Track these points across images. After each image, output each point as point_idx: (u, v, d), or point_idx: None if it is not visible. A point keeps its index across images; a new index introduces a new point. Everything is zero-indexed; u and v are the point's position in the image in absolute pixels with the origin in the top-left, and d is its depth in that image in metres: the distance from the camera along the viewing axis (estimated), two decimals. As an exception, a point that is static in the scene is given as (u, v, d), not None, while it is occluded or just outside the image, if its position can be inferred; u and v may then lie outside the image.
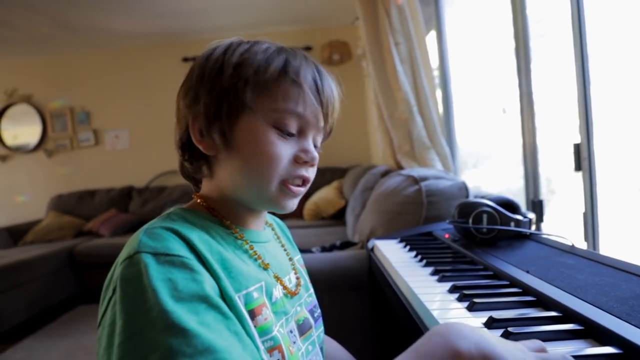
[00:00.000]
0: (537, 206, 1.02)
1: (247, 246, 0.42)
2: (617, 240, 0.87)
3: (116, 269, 0.34)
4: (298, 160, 0.41)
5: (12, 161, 3.47)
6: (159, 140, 3.36)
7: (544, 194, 1.10)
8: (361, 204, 1.84)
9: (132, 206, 3.22)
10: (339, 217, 2.65)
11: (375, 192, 1.46)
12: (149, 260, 0.32)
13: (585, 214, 0.88)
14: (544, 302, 0.47)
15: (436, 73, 1.70)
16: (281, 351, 0.38)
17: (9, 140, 3.43)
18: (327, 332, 0.53)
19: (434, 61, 1.69)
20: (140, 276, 0.31)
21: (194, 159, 0.44)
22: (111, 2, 2.43)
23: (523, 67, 1.07)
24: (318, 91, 0.42)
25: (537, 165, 1.08)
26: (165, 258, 0.32)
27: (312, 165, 0.43)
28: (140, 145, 3.39)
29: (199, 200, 0.44)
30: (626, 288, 0.45)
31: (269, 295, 0.40)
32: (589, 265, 0.54)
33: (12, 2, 2.31)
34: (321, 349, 0.48)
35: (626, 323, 0.37)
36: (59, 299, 2.48)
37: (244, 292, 0.37)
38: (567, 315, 0.42)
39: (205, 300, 0.32)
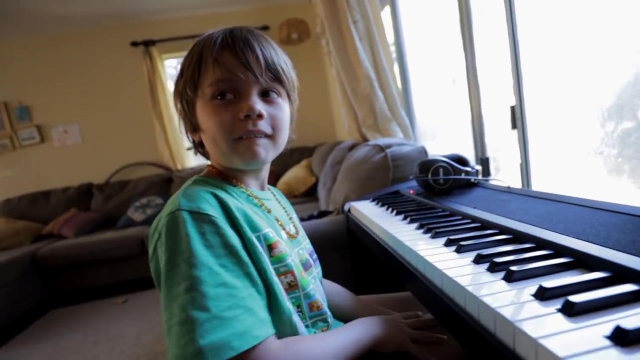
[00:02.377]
0: (484, 162, 1.19)
1: (254, 199, 0.53)
2: (546, 181, 1.06)
3: (160, 221, 0.44)
4: (240, 118, 0.48)
5: (-55, 168, 3.15)
6: (114, 132, 3.20)
7: (491, 152, 1.28)
8: (332, 177, 1.96)
9: (93, 204, 3.08)
10: (310, 193, 2.77)
11: (345, 164, 1.58)
12: (186, 216, 0.42)
13: (521, 165, 1.06)
14: (486, 225, 0.61)
15: (393, 48, 1.81)
16: (293, 275, 0.50)
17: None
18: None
19: (390, 37, 1.80)
20: (180, 227, 0.41)
21: (194, 143, 0.56)
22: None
23: (467, 40, 1.21)
24: (237, 54, 0.47)
25: (483, 128, 1.25)
26: (198, 215, 0.42)
27: (258, 118, 0.48)
28: (94, 138, 3.21)
29: (211, 169, 0.55)
30: (542, 208, 0.61)
31: (280, 236, 0.52)
32: (519, 198, 0.70)
33: None
34: (320, 282, 0.60)
35: (539, 228, 0.52)
36: (27, 306, 2.38)
37: (262, 232, 0.48)
38: (501, 230, 0.57)
39: (226, 248, 0.42)
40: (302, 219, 1.57)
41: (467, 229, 0.61)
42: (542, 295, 0.35)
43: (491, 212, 0.65)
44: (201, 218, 0.42)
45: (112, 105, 3.18)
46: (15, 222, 2.90)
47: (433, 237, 0.60)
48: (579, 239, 0.46)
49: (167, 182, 3.09)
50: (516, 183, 1.08)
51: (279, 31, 3.02)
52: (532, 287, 0.38)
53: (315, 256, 0.62)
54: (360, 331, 0.51)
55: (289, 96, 0.54)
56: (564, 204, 0.61)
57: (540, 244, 0.48)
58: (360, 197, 1.09)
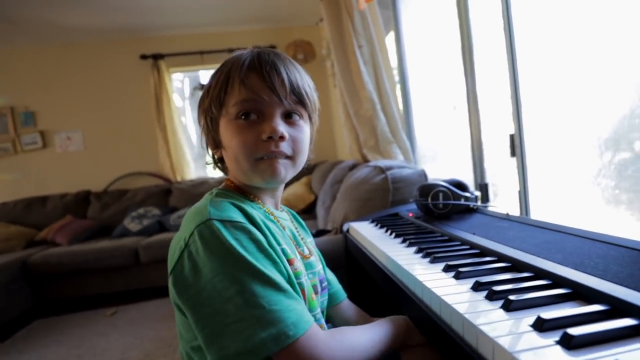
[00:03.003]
0: (483, 188, 1.20)
1: (270, 215, 0.55)
2: (544, 209, 1.07)
3: (188, 232, 0.45)
4: (263, 138, 0.50)
5: (-55, 170, 3.15)
6: (117, 141, 3.23)
7: (490, 178, 1.29)
8: (331, 196, 1.97)
9: (90, 211, 3.06)
10: (309, 211, 2.76)
11: (345, 183, 1.59)
12: (219, 225, 0.44)
13: (519, 192, 1.07)
14: (485, 252, 0.61)
15: (395, 72, 1.86)
16: (304, 295, 0.51)
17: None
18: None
19: (394, 61, 1.85)
20: (217, 235, 0.44)
21: (214, 158, 0.58)
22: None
23: (468, 68, 1.25)
24: (264, 76, 0.49)
25: (482, 154, 1.26)
26: (230, 223, 0.45)
27: (280, 140, 0.50)
28: (96, 146, 3.23)
29: (229, 183, 0.57)
30: (541, 237, 0.61)
31: (295, 254, 0.53)
32: (517, 226, 0.71)
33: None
34: (322, 312, 0.60)
35: (537, 257, 0.52)
36: (12, 315, 2.30)
37: (281, 247, 0.50)
38: (500, 258, 0.57)
39: (262, 251, 0.45)
40: (299, 237, 1.56)
41: (466, 255, 0.61)
42: (541, 326, 0.35)
43: (490, 239, 0.65)
44: (234, 225, 0.45)
45: (117, 114, 3.22)
46: (8, 227, 2.86)
47: (432, 262, 0.60)
48: (577, 270, 0.46)
49: (165, 193, 3.08)
50: (514, 210, 1.08)
51: (286, 51, 3.10)
52: (530, 317, 0.38)
53: (325, 284, 0.62)
54: (390, 328, 0.54)
55: (310, 118, 0.56)
56: (562, 233, 0.62)
57: (539, 273, 0.49)
58: (360, 218, 1.09)
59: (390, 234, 0.82)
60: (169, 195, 3.08)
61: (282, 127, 0.50)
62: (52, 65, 3.15)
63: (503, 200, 1.27)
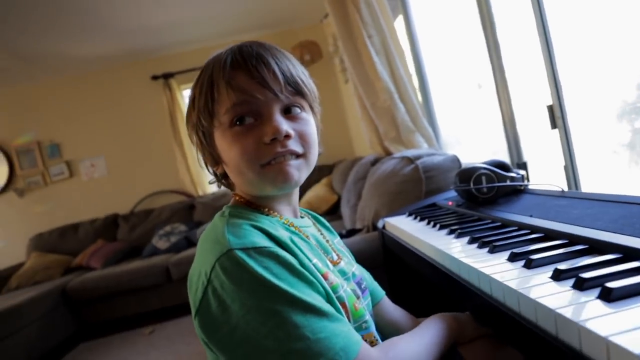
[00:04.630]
0: (522, 167, 1.12)
1: (291, 227, 0.48)
2: (596, 185, 0.98)
3: (209, 265, 0.40)
4: (265, 142, 0.44)
5: (-18, 207, 3.30)
6: (138, 163, 3.29)
7: (527, 155, 1.21)
8: (356, 194, 1.91)
9: (119, 234, 3.13)
10: (333, 212, 2.72)
11: (370, 179, 1.53)
12: (242, 255, 0.38)
13: (565, 167, 0.98)
14: (551, 235, 0.54)
15: (410, 58, 1.79)
16: (345, 307, 0.45)
17: (-25, 185, 3.25)
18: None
19: (406, 47, 1.78)
20: (243, 268, 0.38)
21: (216, 175, 0.52)
22: (73, 26, 2.37)
23: (491, 40, 1.17)
24: (251, 72, 0.43)
25: (517, 131, 1.18)
26: (255, 251, 0.39)
27: (287, 139, 0.44)
28: (118, 170, 3.31)
29: (237, 198, 0.50)
30: (614, 212, 0.54)
31: (327, 265, 0.47)
32: (580, 203, 0.63)
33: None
34: (371, 315, 0.54)
35: (622, 235, 0.45)
36: (57, 340, 2.38)
37: (312, 262, 0.44)
38: (573, 240, 0.50)
39: (294, 274, 0.39)
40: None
41: (529, 241, 0.55)
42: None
43: (552, 219, 0.58)
44: (259, 252, 0.39)
45: (135, 136, 3.29)
46: (46, 256, 2.97)
47: (491, 251, 0.54)
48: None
49: (189, 208, 3.11)
50: (562, 186, 1.00)
51: (292, 54, 3.07)
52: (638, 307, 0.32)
53: (364, 284, 0.56)
54: (442, 326, 0.51)
55: (312, 108, 0.50)
56: (639, 205, 0.54)
57: (631, 253, 0.42)
58: (393, 213, 1.03)
59: (434, 225, 0.76)
60: (193, 210, 3.10)
61: (285, 125, 0.44)
62: (70, 96, 3.25)
63: (545, 178, 1.18)
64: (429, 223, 0.79)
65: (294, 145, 0.45)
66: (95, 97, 3.25)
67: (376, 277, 1.07)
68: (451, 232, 0.68)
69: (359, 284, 0.54)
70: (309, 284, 0.40)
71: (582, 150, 0.98)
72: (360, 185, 1.83)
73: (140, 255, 2.83)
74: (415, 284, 0.89)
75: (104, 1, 2.17)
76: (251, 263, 0.38)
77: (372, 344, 0.48)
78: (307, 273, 0.40)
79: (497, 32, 1.16)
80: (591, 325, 0.30)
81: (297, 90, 0.46)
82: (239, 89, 0.43)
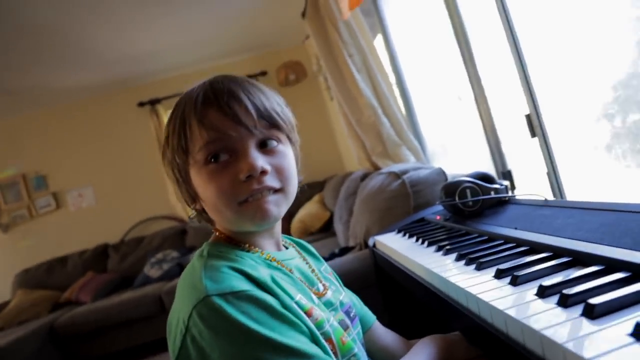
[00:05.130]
0: (507, 176, 1.13)
1: (273, 262, 0.48)
2: (579, 189, 0.99)
3: (186, 312, 0.39)
4: (241, 179, 0.43)
5: (-38, 246, 3.20)
6: (127, 191, 3.25)
7: (512, 163, 1.22)
8: (347, 210, 1.91)
9: (110, 264, 3.05)
10: (326, 229, 2.70)
11: (360, 195, 1.53)
12: (219, 301, 0.37)
13: (548, 173, 1.00)
14: (536, 248, 0.54)
15: (391, 74, 1.83)
16: (331, 342, 0.44)
17: (-41, 223, 3.17)
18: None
19: (386, 63, 1.82)
20: (221, 315, 0.37)
21: (196, 211, 0.50)
22: (54, 56, 2.37)
23: (466, 53, 1.20)
24: (223, 109, 0.42)
25: (499, 141, 1.20)
26: (233, 296, 0.38)
27: (262, 175, 0.43)
28: (107, 199, 3.26)
29: (217, 234, 0.49)
30: (594, 221, 0.54)
31: (311, 300, 0.46)
32: (562, 212, 0.64)
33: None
34: (362, 343, 0.53)
35: (602, 245, 0.45)
36: (45, 381, 2.29)
37: (295, 300, 0.43)
38: (556, 252, 0.50)
39: (275, 317, 0.38)
40: (324, 259, 1.49)
41: (515, 255, 0.55)
42: (644, 334, 0.29)
43: (536, 231, 0.59)
44: (238, 297, 0.38)
45: (123, 164, 3.26)
46: (32, 292, 2.86)
47: (478, 268, 0.54)
48: (657, 254, 0.39)
49: (181, 233, 3.06)
50: (547, 194, 1.01)
51: (277, 75, 3.13)
52: (624, 323, 0.31)
53: (354, 312, 0.55)
54: (433, 351, 0.50)
55: (289, 139, 0.50)
56: (620, 212, 0.55)
57: (612, 264, 0.42)
58: (383, 230, 1.03)
59: (422, 242, 0.76)
60: (185, 235, 3.05)
61: (260, 161, 0.43)
62: (56, 127, 3.23)
63: (529, 186, 1.20)
64: (417, 240, 0.79)
65: (270, 180, 0.44)
66: (81, 127, 3.23)
67: (370, 296, 1.05)
68: (439, 249, 0.68)
69: (347, 313, 0.52)
70: (292, 325, 0.39)
71: (564, 156, 1.00)
72: (352, 201, 1.83)
73: (132, 286, 2.75)
74: (408, 303, 0.88)
75: (87, 33, 2.19)
76: (229, 309, 0.37)
77: None
78: (289, 314, 0.39)
79: (471, 45, 1.20)
80: (574, 347, 0.30)
81: (272, 124, 0.45)
82: (211, 126, 0.43)
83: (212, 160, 0.44)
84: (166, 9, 2.16)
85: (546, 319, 0.36)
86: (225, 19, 2.51)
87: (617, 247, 0.44)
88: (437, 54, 1.49)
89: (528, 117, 1.01)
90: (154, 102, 3.19)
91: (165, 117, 3.21)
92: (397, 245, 0.80)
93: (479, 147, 1.34)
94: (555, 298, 0.39)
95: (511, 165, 1.22)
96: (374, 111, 1.64)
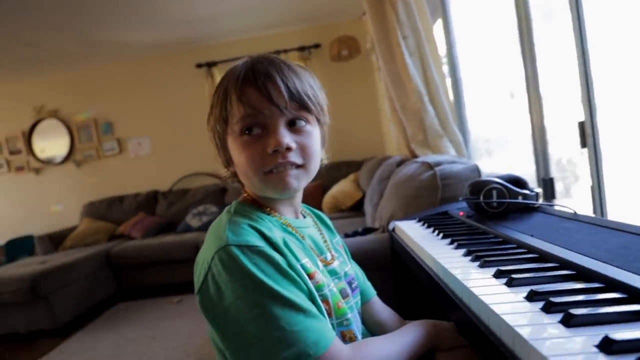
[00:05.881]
0: (547, 184, 1.08)
1: (288, 227, 0.54)
2: (624, 209, 0.93)
3: (207, 253, 0.47)
4: (269, 152, 0.49)
5: (45, 173, 3.71)
6: (178, 145, 3.52)
7: (557, 172, 1.16)
8: (379, 193, 1.93)
9: (158, 209, 3.40)
10: (357, 208, 2.74)
11: (392, 180, 1.55)
12: (237, 252, 0.45)
13: (592, 187, 0.94)
14: (544, 257, 0.55)
15: (445, 61, 1.75)
16: (328, 304, 0.51)
17: (40, 153, 3.67)
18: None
19: (442, 50, 1.74)
20: (236, 262, 0.44)
21: (230, 174, 0.57)
22: (127, 16, 2.58)
23: (527, 50, 1.13)
24: (260, 89, 0.48)
25: (546, 145, 1.14)
26: (248, 249, 0.45)
27: (287, 151, 0.48)
28: (161, 150, 3.57)
29: (245, 195, 0.57)
30: (615, 241, 0.53)
31: (316, 265, 0.53)
32: (587, 228, 0.62)
33: (40, 24, 2.49)
34: (359, 312, 0.59)
35: (609, 265, 0.46)
36: (101, 297, 2.69)
37: (301, 262, 0.49)
38: (563, 264, 0.51)
39: (280, 272, 0.45)
40: (346, 235, 1.55)
41: (522, 260, 0.56)
42: (609, 348, 0.31)
43: (552, 242, 0.59)
44: (251, 250, 0.45)
45: (178, 120, 3.52)
46: (96, 222, 3.31)
47: (482, 266, 0.56)
48: (661, 282, 0.39)
49: (222, 191, 3.30)
50: (588, 209, 0.96)
51: (330, 48, 3.10)
52: (595, 336, 0.33)
53: (356, 284, 0.61)
54: (420, 333, 0.54)
55: (318, 120, 0.54)
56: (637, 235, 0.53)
57: (611, 284, 0.42)
58: (406, 217, 1.05)
59: (438, 234, 0.78)
60: (225, 194, 3.28)
61: (287, 139, 0.49)
62: (125, 80, 3.55)
63: (577, 198, 1.13)
64: (434, 231, 0.81)
65: (294, 157, 0.50)
66: (145, 82, 3.52)
67: (384, 278, 1.10)
68: (452, 242, 0.70)
69: (349, 283, 0.58)
70: (293, 282, 0.45)
71: (613, 172, 0.93)
72: (384, 185, 1.84)
73: (175, 231, 3.06)
74: (416, 288, 0.91)
75: (158, -6, 2.34)
76: (243, 259, 0.44)
77: (352, 339, 0.53)
78: (292, 272, 0.46)
79: (534, 39, 1.12)
80: (538, 345, 0.33)
81: (302, 105, 0.50)
82: (248, 103, 0.49)
83: (247, 132, 0.50)
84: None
85: (525, 319, 0.38)
86: (285, -12, 2.52)
87: (623, 269, 0.44)
88: (496, 45, 1.40)
89: (581, 124, 0.94)
90: (210, 65, 3.35)
91: (219, 79, 3.36)
92: (413, 233, 0.83)
93: (526, 149, 1.28)
94: (541, 304, 0.41)
95: (560, 173, 1.16)
96: (420, 98, 1.61)
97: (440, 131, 1.61)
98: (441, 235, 0.76)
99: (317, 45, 3.28)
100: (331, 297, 0.51)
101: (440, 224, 0.88)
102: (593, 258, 0.49)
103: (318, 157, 0.54)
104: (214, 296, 0.45)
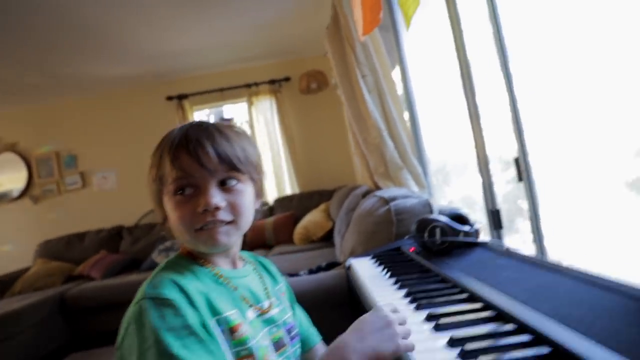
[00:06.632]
0: (494, 215, 1.15)
1: (219, 278, 0.55)
2: (561, 238, 1.00)
3: (130, 307, 0.47)
4: (199, 211, 0.51)
5: (-1, 210, 3.49)
6: (146, 178, 3.44)
7: (505, 203, 1.23)
8: (346, 224, 1.95)
9: (122, 245, 3.23)
10: (328, 238, 2.75)
11: (355, 213, 1.58)
12: (148, 304, 0.45)
13: (530, 219, 1.01)
14: (473, 297, 0.58)
15: (402, 97, 1.86)
16: (252, 358, 0.50)
17: (-6, 188, 3.46)
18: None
19: (399, 88, 1.86)
20: (144, 315, 0.45)
21: (167, 229, 0.58)
22: (98, 50, 2.58)
23: (468, 88, 1.23)
24: (191, 153, 0.51)
25: (491, 178, 1.21)
26: (159, 301, 0.46)
27: (216, 210, 0.51)
28: (127, 184, 3.45)
29: (182, 249, 0.58)
30: (535, 279, 0.57)
31: (244, 316, 0.53)
32: (514, 265, 0.66)
33: (2, 57, 2.44)
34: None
35: (524, 306, 0.49)
36: (49, 349, 2.43)
37: (223, 315, 0.49)
38: (486, 305, 0.54)
39: (187, 328, 0.45)
40: (310, 271, 1.55)
41: (454, 301, 0.59)
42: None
43: (483, 280, 0.62)
44: (162, 303, 0.45)
45: (146, 153, 3.36)
46: (50, 263, 3.08)
47: (417, 308, 0.58)
48: (562, 323, 0.43)
49: (191, 225, 3.20)
50: (529, 240, 1.02)
51: (300, 82, 3.22)
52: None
53: (295, 332, 0.61)
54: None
55: (251, 177, 0.57)
56: (561, 275, 0.57)
57: (522, 326, 0.45)
58: (364, 253, 1.08)
59: (387, 273, 0.80)
60: (194, 227, 3.19)
61: (215, 199, 0.51)
62: (91, 112, 3.47)
63: (522, 228, 1.20)
64: (383, 269, 0.83)
65: (223, 215, 0.53)
66: (113, 115, 3.46)
67: (343, 316, 1.10)
68: (397, 282, 0.72)
69: (288, 331, 0.59)
70: (199, 341, 0.44)
71: (551, 204, 1.00)
72: (350, 216, 1.87)
73: (139, 269, 2.91)
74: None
75: (128, 31, 2.37)
76: (151, 312, 0.44)
77: None
78: (201, 331, 0.45)
79: (473, 76, 1.22)
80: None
81: (232, 167, 0.54)
82: (180, 167, 0.52)
83: (180, 192, 0.53)
84: (201, 12, 2.31)
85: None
86: (256, 26, 2.63)
87: (534, 310, 0.47)
88: (445, 84, 1.51)
89: (517, 160, 1.02)
90: (181, 97, 3.37)
91: (190, 112, 3.37)
92: (363, 272, 0.84)
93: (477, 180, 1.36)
94: (459, 349, 0.43)
95: (507, 205, 1.23)
96: (379, 132, 1.69)
97: (399, 164, 1.68)
98: (389, 274, 0.79)
99: (287, 79, 3.40)
100: (257, 350, 0.50)
101: (391, 261, 0.90)
102: (512, 297, 0.52)
103: (249, 212, 0.57)
104: (126, 351, 0.45)
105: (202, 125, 0.55)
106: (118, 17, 2.20)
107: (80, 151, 3.49)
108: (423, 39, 1.73)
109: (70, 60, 2.67)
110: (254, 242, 2.88)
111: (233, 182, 0.54)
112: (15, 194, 3.43)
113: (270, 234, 2.94)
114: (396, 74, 1.90)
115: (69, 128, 3.48)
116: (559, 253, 1.00)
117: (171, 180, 0.52)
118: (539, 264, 0.63)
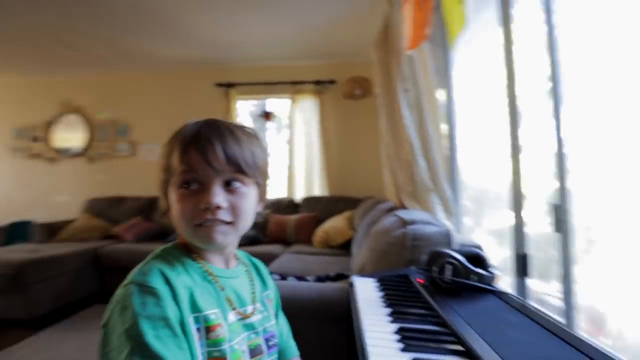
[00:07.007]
0: (520, 260, 1.05)
1: (209, 276, 0.55)
2: (595, 302, 0.89)
3: (121, 286, 0.49)
4: (201, 208, 0.52)
5: (58, 163, 3.87)
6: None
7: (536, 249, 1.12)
8: (365, 237, 1.91)
9: (155, 216, 3.43)
10: (346, 247, 2.70)
11: (373, 229, 1.53)
12: (134, 289, 0.47)
13: (562, 276, 0.91)
14: (469, 353, 0.52)
15: (443, 119, 1.77)
16: None
17: (58, 144, 3.85)
18: (307, 356, 0.63)
19: (442, 109, 1.77)
20: (127, 299, 0.46)
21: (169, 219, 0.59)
22: (160, 31, 2.76)
23: (513, 121, 1.14)
24: (199, 150, 0.52)
25: (522, 222, 1.11)
26: (144, 288, 0.47)
27: (217, 209, 0.51)
28: (170, 159, 3.67)
29: (179, 239, 0.59)
30: (545, 348, 0.51)
31: (225, 318, 0.52)
32: (527, 325, 0.59)
33: (79, 30, 2.70)
34: None
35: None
36: (80, 295, 2.68)
37: (203, 313, 0.49)
38: (479, 366, 0.48)
39: (163, 320, 0.46)
40: (318, 278, 1.53)
41: (446, 352, 0.54)
42: None
43: (484, 336, 0.56)
44: (147, 290, 0.47)
45: (190, 133, 3.63)
46: (93, 219, 3.37)
47: (403, 350, 0.54)
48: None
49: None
50: (556, 294, 0.92)
51: (345, 86, 3.20)
52: None
53: (275, 341, 0.60)
54: None
55: (256, 182, 0.57)
56: (580, 349, 0.50)
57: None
58: (369, 273, 1.03)
59: (385, 300, 0.76)
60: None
61: (218, 198, 0.52)
62: (147, 88, 3.74)
63: (551, 278, 1.09)
64: (384, 296, 0.79)
65: (223, 215, 0.53)
66: (165, 92, 3.70)
67: (340, 330, 1.07)
68: (392, 314, 0.68)
69: (267, 340, 0.58)
70: (174, 335, 0.45)
71: (588, 258, 0.90)
72: (370, 230, 1.82)
73: (166, 239, 3.07)
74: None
75: (188, 14, 2.51)
76: (134, 297, 0.46)
77: None
78: (177, 326, 0.46)
79: (519, 111, 1.13)
80: None
81: (238, 169, 0.54)
82: (188, 162, 0.52)
83: (185, 186, 0.53)
84: (261, 9, 2.41)
85: None
86: (310, 26, 2.67)
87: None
88: (491, 112, 1.42)
89: (556, 207, 0.93)
90: (229, 85, 3.49)
91: (233, 101, 3.49)
92: (362, 295, 0.81)
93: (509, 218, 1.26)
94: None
95: (535, 251, 1.12)
96: (412, 150, 1.62)
97: (429, 185, 1.60)
98: (387, 303, 0.74)
99: (332, 81, 3.39)
100: (231, 353, 0.50)
101: (394, 288, 0.85)
102: (511, 365, 0.47)
103: (249, 215, 0.56)
104: (107, 332, 0.46)
105: (215, 124, 0.55)
106: (184, 3, 2.34)
107: (132, 122, 3.76)
108: (475, 62, 1.64)
109: (136, 36, 2.88)
110: (275, 237, 2.91)
111: (237, 184, 0.54)
112: (76, 151, 3.80)
113: (292, 231, 2.96)
114: (441, 94, 1.82)
115: (125, 99, 3.77)
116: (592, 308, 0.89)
117: (178, 173, 0.53)
118: (556, 330, 0.56)
